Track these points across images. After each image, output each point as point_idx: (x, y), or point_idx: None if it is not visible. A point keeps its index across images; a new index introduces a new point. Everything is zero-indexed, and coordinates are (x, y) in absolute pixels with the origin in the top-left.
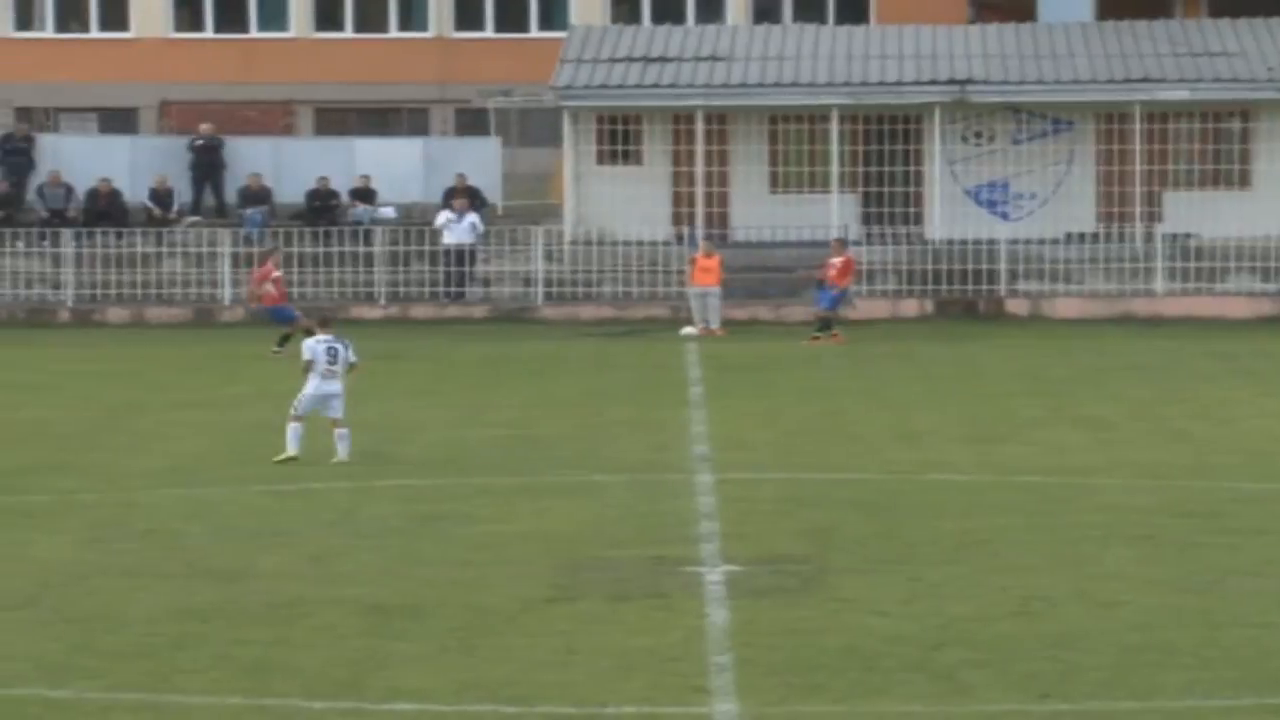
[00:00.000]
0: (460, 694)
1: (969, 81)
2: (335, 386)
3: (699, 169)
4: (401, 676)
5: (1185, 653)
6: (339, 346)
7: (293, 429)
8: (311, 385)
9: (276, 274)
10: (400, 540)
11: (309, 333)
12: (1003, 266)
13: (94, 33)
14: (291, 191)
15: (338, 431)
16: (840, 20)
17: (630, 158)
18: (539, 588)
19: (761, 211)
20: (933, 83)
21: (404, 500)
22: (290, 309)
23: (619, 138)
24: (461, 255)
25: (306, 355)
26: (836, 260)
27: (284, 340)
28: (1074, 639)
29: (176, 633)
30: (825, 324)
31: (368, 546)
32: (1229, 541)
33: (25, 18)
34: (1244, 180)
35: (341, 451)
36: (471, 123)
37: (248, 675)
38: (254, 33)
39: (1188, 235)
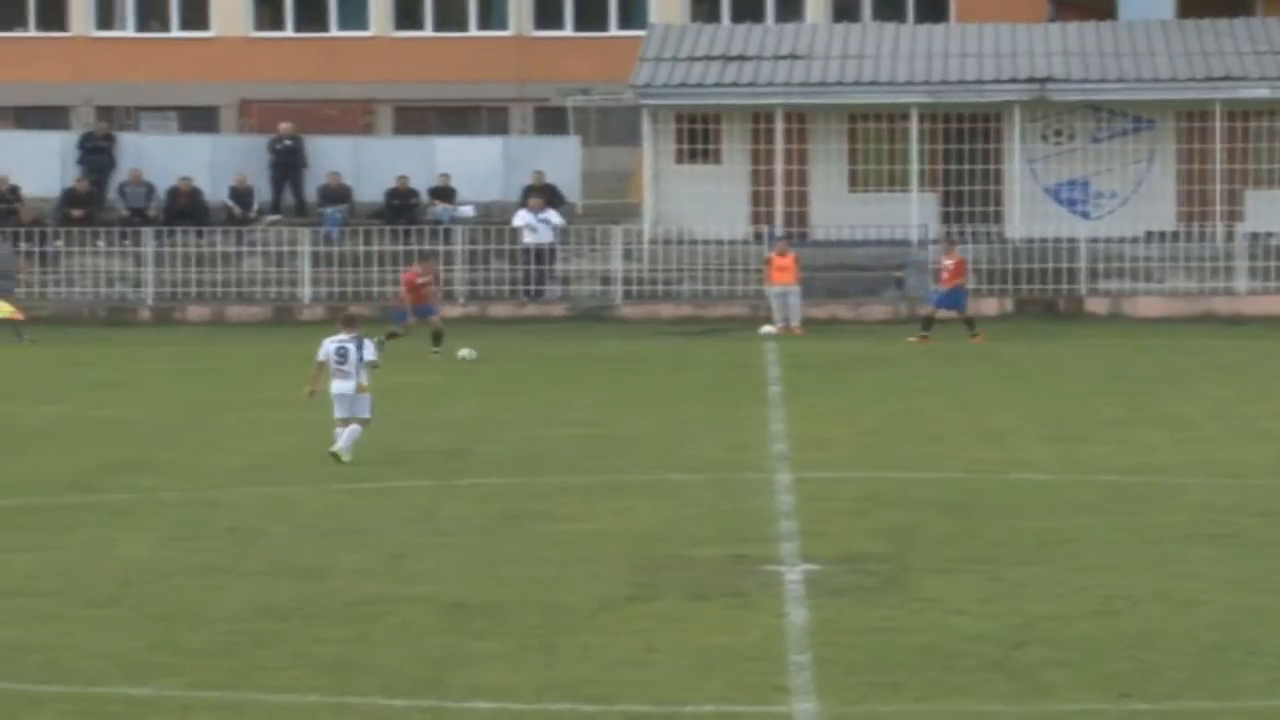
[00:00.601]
0: (540, 692)
1: (1049, 80)
2: (346, 386)
3: (778, 168)
4: (481, 674)
5: (1267, 652)
6: (349, 346)
7: (337, 434)
8: (332, 386)
9: (420, 280)
10: (480, 539)
11: (436, 340)
12: (1083, 265)
13: (174, 32)
14: (371, 190)
15: (351, 427)
16: (920, 18)
17: (709, 156)
18: (618, 586)
19: (841, 210)
20: (1013, 81)
21: (483, 499)
22: (404, 313)
23: (698, 136)
24: (541, 254)
25: (320, 356)
26: (948, 261)
27: (392, 337)
28: (1155, 638)
29: (257, 631)
30: (969, 321)
31: (447, 545)
32: None
33: (106, 17)
34: None
35: (341, 442)
36: (551, 121)
37: (328, 673)
38: (334, 31)
39: (1269, 234)
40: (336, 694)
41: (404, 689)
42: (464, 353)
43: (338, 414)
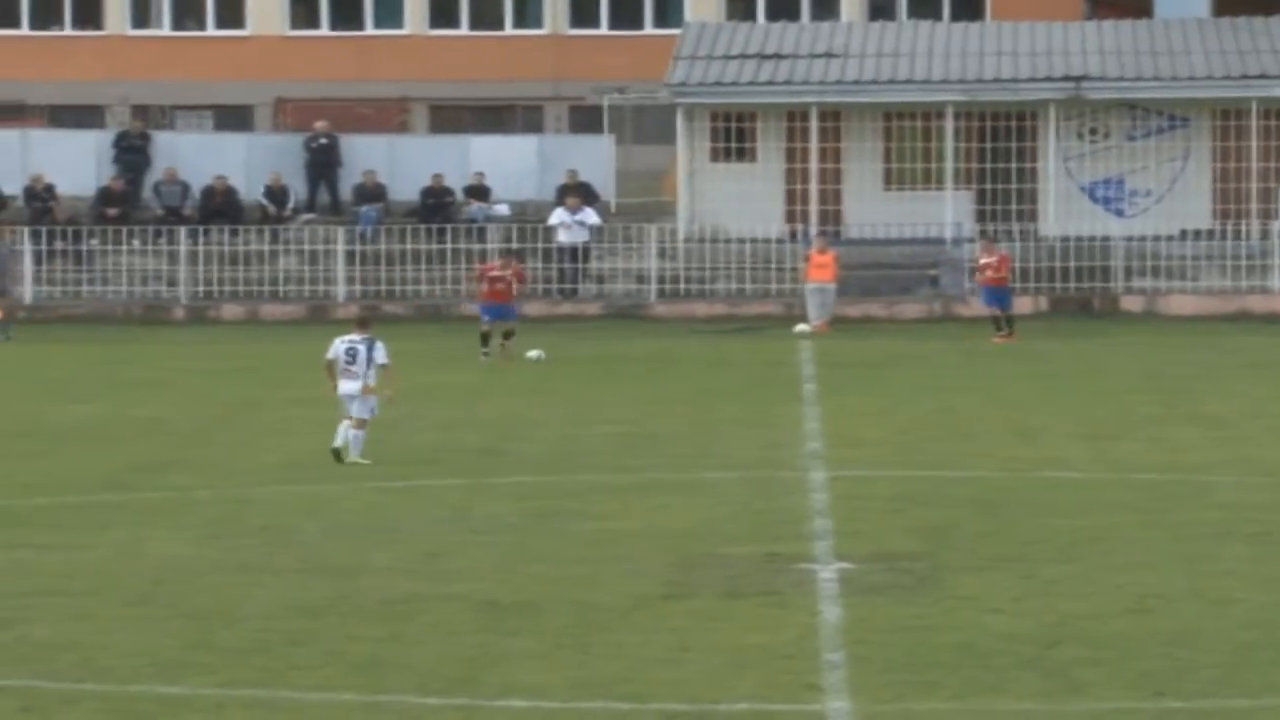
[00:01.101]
0: (574, 690)
1: (1084, 78)
2: (353, 386)
3: (813, 166)
4: (515, 673)
5: None
6: (360, 347)
7: (340, 429)
8: (340, 385)
9: (495, 274)
10: (514, 537)
11: (506, 336)
12: (1118, 263)
13: (210, 31)
14: (406, 189)
15: (353, 432)
16: (956, 17)
17: (744, 155)
18: (652, 585)
19: (875, 208)
20: (1048, 79)
21: (517, 497)
22: (489, 307)
23: (733, 135)
24: (575, 252)
25: (329, 355)
26: (990, 259)
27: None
28: (1189, 637)
29: (290, 629)
30: (1009, 320)
31: (481, 543)
32: None
33: (142, 16)
34: None
35: (353, 450)
36: (586, 120)
37: (361, 672)
38: (369, 30)
39: None
40: (370, 692)
41: (437, 687)
42: (533, 354)
43: (352, 412)
